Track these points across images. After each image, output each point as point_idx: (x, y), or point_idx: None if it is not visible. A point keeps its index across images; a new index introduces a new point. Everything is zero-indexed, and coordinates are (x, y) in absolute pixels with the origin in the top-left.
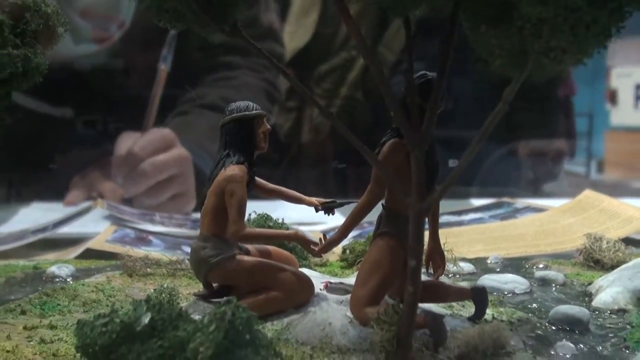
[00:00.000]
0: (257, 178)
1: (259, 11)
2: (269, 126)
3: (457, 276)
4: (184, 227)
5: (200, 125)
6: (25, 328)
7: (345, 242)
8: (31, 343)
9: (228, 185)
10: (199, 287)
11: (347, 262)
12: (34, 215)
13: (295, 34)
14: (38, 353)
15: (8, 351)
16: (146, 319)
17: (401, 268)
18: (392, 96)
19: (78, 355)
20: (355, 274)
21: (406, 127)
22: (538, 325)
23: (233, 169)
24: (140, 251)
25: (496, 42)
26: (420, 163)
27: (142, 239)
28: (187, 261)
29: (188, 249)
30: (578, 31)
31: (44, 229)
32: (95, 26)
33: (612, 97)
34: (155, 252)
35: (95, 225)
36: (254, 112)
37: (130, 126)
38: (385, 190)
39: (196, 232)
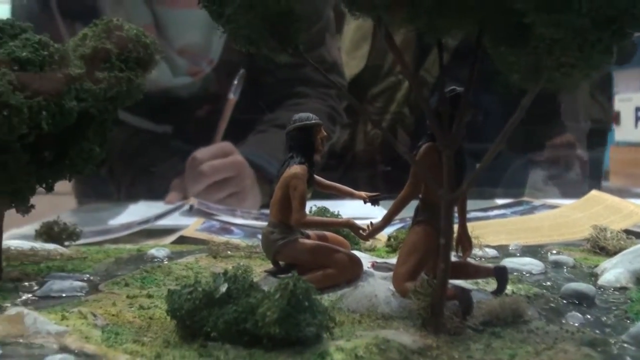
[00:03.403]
0: (315, 176)
1: (324, 51)
2: (325, 133)
3: (483, 259)
4: (260, 220)
5: (274, 141)
6: (127, 297)
7: (389, 230)
8: (132, 309)
9: (292, 181)
10: (269, 266)
11: (392, 248)
12: (140, 211)
13: (349, 64)
14: (137, 317)
15: (113, 315)
16: (224, 289)
17: (435, 250)
18: (429, 107)
19: (169, 318)
20: (397, 256)
21: (439, 132)
22: (551, 299)
23: (296, 168)
24: (223, 238)
25: (514, 60)
26: (450, 161)
27: (225, 229)
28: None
29: None
30: (585, 49)
31: (147, 221)
32: (189, 63)
33: (616, 118)
34: (236, 239)
35: (188, 219)
36: (313, 121)
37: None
38: (422, 185)
39: None
